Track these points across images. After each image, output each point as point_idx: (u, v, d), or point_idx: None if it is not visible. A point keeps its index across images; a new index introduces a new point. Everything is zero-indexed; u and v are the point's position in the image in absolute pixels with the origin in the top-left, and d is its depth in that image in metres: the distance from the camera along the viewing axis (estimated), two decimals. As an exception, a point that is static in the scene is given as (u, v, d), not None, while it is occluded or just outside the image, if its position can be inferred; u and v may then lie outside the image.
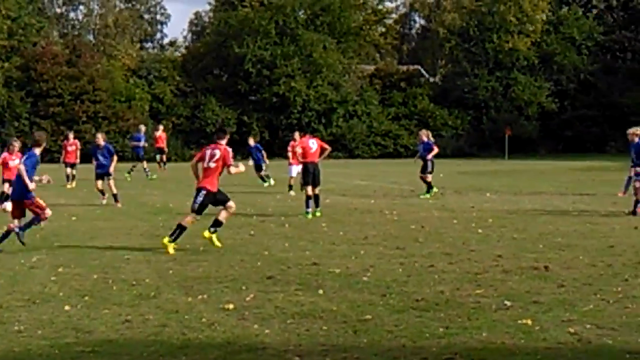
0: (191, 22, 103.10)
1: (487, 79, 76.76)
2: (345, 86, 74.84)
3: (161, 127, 47.79)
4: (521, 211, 24.32)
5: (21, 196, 17.48)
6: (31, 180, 17.27)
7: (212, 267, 14.79)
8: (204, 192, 17.04)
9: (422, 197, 29.56)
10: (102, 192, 27.64)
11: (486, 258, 15.30)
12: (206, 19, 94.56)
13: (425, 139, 30.92)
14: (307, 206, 23.48)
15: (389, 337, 9.76)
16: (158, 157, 45.54)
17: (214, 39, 77.67)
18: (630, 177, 26.32)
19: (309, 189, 23.62)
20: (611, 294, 11.87)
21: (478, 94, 76.33)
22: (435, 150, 30.57)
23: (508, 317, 10.59)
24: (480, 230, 19.35)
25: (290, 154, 32.70)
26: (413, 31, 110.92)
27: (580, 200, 27.45)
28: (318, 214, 23.59)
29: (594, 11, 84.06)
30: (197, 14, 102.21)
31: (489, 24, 77.11)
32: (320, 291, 12.40)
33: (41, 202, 17.63)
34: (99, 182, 27.61)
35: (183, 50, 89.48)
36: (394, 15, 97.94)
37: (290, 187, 31.85)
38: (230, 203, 17.24)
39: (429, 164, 30.11)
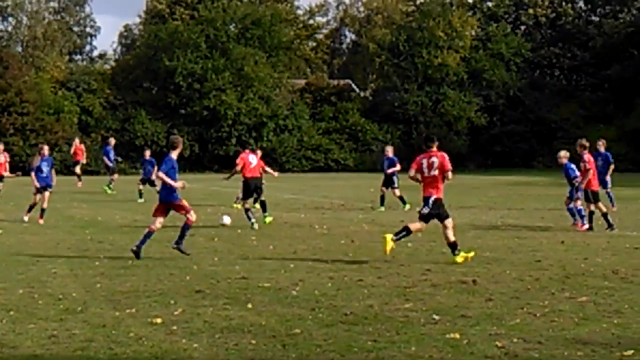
0: (121, 35, 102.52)
1: (416, 94, 77.21)
2: (275, 100, 74.81)
3: (77, 139, 47.70)
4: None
5: (167, 197, 18.17)
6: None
7: (141, 281, 14.67)
8: (433, 198, 17.12)
9: (405, 209, 30.00)
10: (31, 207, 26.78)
11: (415, 272, 15.38)
12: (136, 32, 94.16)
13: (390, 154, 31.53)
14: (249, 218, 23.97)
15: (318, 352, 9.75)
16: (77, 169, 45.34)
17: (144, 51, 77.19)
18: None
19: (246, 202, 24.30)
20: (538, 308, 11.99)
21: (408, 108, 76.74)
22: (398, 167, 31.20)
23: (436, 331, 10.64)
24: (409, 245, 19.41)
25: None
26: (344, 46, 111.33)
27: (508, 215, 27.73)
28: (269, 218, 24.72)
29: (523, 28, 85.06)
30: (127, 26, 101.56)
31: (419, 39, 77.61)
32: (249, 305, 12.36)
33: (186, 204, 18.27)
34: (38, 196, 26.83)
35: (113, 63, 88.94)
36: (324, 30, 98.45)
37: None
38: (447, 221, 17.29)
39: (394, 178, 30.89)
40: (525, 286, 13.84)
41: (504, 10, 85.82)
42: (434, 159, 17.20)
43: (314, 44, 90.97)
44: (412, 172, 17.48)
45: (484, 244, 19.67)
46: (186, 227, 18.05)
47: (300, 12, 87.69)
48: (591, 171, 23.16)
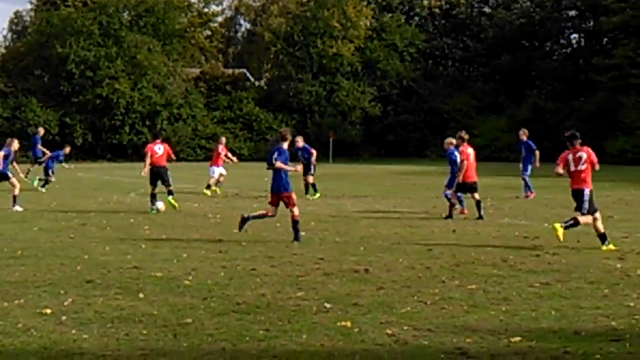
0: (11, 22, 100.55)
1: (311, 84, 77.42)
2: (170, 89, 74.25)
3: None
4: (344, 214, 24.62)
5: (279, 188, 18.92)
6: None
7: (30, 271, 14.43)
8: (587, 190, 17.83)
9: (312, 198, 30.37)
10: None
11: (308, 261, 15.42)
12: (27, 19, 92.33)
13: (301, 144, 31.78)
14: (152, 203, 25.25)
15: (209, 341, 9.73)
16: None
17: (35, 38, 75.87)
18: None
19: (152, 188, 25.56)
20: (429, 295, 12.13)
21: (302, 98, 76.92)
22: (314, 153, 32.05)
23: (328, 319, 10.69)
24: (303, 234, 19.44)
25: (214, 156, 35.01)
26: (239, 35, 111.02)
27: (401, 204, 27.99)
28: (176, 204, 25.65)
29: (416, 19, 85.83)
30: (17, 13, 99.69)
31: (314, 29, 77.80)
32: (141, 295, 12.27)
33: (294, 198, 19.08)
34: None
35: (3, 50, 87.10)
36: (219, 19, 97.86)
37: (209, 187, 33.35)
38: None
39: (311, 166, 31.29)
40: (417, 274, 13.98)
41: (398, 1, 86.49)
42: (582, 154, 18.11)
43: (209, 32, 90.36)
44: (559, 169, 18.21)
45: (376, 233, 19.82)
46: (294, 222, 18.77)
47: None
48: (465, 163, 23.63)
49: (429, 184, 38.46)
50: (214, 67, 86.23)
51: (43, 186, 34.51)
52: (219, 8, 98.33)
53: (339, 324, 10.40)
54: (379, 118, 78.33)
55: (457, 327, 10.29)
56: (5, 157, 27.18)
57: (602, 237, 17.45)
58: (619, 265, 14.75)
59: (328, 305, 11.43)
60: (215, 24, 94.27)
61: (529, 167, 31.48)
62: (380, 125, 78.69)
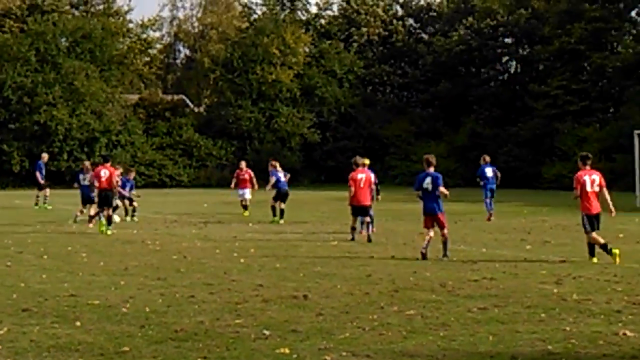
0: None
1: (250, 110, 77.37)
2: (108, 115, 73.68)
3: None
4: (283, 240, 24.61)
5: (433, 210, 20.35)
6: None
7: (-35, 300, 14.24)
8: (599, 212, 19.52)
9: (281, 222, 31.68)
10: None
11: (247, 288, 15.38)
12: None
13: (271, 168, 34.00)
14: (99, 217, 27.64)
15: (147, 369, 9.66)
16: None
17: (-29, 64, 75.00)
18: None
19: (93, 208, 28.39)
20: (367, 321, 12.15)
21: (242, 124, 76.82)
22: (272, 180, 33.82)
23: (266, 346, 10.67)
24: (242, 260, 19.44)
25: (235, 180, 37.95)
26: (178, 61, 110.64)
27: (340, 230, 27.96)
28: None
29: (355, 45, 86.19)
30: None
31: (253, 55, 77.81)
32: (78, 323, 12.15)
33: (445, 218, 20.58)
34: None
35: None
36: (158, 45, 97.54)
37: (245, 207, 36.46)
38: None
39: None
40: (356, 300, 14.00)
41: (337, 27, 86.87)
42: (595, 176, 19.40)
43: (148, 58, 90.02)
44: (577, 191, 19.58)
45: (315, 259, 19.82)
46: (445, 242, 20.11)
47: (132, 25, 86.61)
48: (352, 189, 24.79)
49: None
50: (153, 93, 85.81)
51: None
52: (158, 34, 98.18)
53: (277, 350, 10.39)
54: (319, 144, 78.45)
55: (395, 352, 10.32)
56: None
57: (604, 247, 19.15)
58: (555, 290, 14.90)
59: (267, 332, 11.41)
60: (154, 51, 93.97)
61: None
62: (320, 152, 78.82)
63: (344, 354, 10.23)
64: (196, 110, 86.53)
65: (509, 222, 31.48)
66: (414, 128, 79.55)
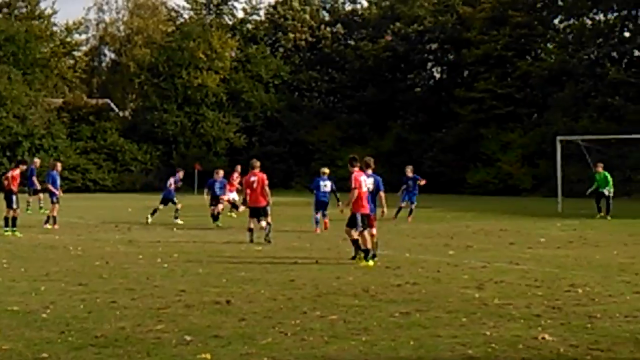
0: None
1: (176, 114, 77.10)
2: (31, 119, 72.84)
3: None
4: (207, 245, 24.50)
5: (371, 211, 20.82)
6: None
7: None
8: None
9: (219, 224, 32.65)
10: None
11: (169, 293, 15.27)
12: None
13: (221, 176, 34.96)
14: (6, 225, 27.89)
15: (66, 376, 9.54)
16: None
17: None
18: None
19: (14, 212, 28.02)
20: (290, 326, 12.12)
21: (167, 128, 76.52)
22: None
23: (187, 351, 10.59)
24: (165, 265, 19.31)
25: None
26: (103, 65, 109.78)
27: (263, 235, 27.90)
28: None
29: (282, 50, 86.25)
30: None
31: (179, 59, 77.57)
32: (-4, 330, 11.96)
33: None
34: None
35: None
36: (83, 48, 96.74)
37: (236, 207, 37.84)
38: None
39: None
40: (278, 305, 13.97)
41: (264, 32, 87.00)
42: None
43: (72, 61, 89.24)
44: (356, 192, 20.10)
45: (239, 264, 19.75)
46: (377, 242, 21.07)
47: (57, 29, 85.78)
48: (247, 191, 26.30)
49: (293, 214, 38.59)
50: (77, 97, 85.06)
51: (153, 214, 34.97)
52: (83, 37, 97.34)
53: (198, 356, 10.31)
54: (244, 149, 78.39)
55: (317, 357, 10.30)
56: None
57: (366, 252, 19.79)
58: (477, 295, 15.01)
59: (188, 338, 11.33)
60: (79, 54, 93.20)
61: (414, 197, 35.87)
62: (246, 156, 78.43)
63: (266, 359, 10.20)
64: (121, 114, 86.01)
65: (433, 227, 31.70)
66: (340, 133, 79.87)
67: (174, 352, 10.61)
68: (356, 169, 20.68)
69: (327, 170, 30.32)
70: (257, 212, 26.13)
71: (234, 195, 38.75)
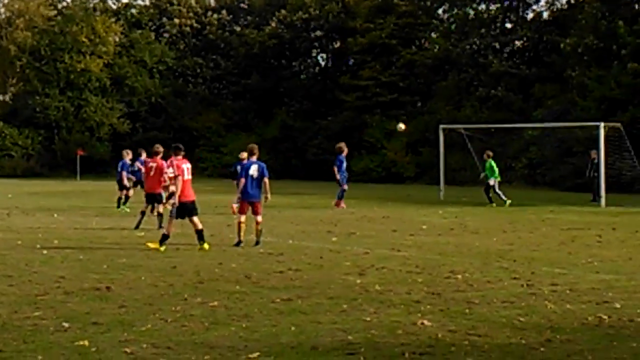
0: None
1: (58, 99, 75.91)
2: None
3: None
4: (89, 232, 24.20)
5: (255, 197, 21.29)
6: None
7: None
8: None
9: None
10: None
11: (48, 280, 15.05)
12: None
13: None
14: None
15: (-62, 364, 9.33)
16: None
17: None
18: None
19: None
20: (170, 313, 12.05)
21: (49, 113, 75.28)
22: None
23: (65, 338, 10.45)
24: (45, 252, 19.03)
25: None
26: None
27: (148, 222, 27.60)
28: None
29: (167, 36, 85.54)
30: None
31: (61, 43, 76.35)
32: None
33: None
34: None
35: None
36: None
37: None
38: None
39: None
40: (159, 292, 13.88)
41: (148, 18, 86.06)
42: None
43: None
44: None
45: (120, 251, 19.57)
46: (261, 230, 21.33)
47: None
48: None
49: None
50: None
51: None
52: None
53: (76, 343, 10.19)
54: (128, 134, 77.56)
55: (196, 344, 10.26)
56: None
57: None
58: (358, 281, 15.12)
59: (66, 324, 11.18)
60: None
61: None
62: (129, 142, 77.55)
63: (145, 346, 10.11)
64: (1, 98, 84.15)
65: (317, 214, 31.83)
66: (225, 120, 79.59)
67: (51, 339, 10.47)
68: (179, 157, 20.70)
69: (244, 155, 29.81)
70: (153, 199, 25.96)
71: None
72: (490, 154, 37.58)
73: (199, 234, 20.18)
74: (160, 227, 24.59)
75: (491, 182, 36.79)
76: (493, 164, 36.91)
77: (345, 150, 35.45)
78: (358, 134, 68.33)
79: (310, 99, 76.92)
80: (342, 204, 34.66)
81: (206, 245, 19.99)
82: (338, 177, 34.96)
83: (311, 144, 69.89)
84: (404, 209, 34.69)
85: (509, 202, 36.15)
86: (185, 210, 20.38)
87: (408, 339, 10.64)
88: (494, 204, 35.89)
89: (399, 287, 14.54)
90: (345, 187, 35.15)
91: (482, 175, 37.77)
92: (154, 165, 25.88)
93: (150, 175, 25.92)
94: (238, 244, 20.60)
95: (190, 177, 20.64)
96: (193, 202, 20.61)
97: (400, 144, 65.26)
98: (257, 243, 20.64)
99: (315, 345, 10.24)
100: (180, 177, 20.14)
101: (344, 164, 35.44)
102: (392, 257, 18.69)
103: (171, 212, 20.25)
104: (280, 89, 78.70)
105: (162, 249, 19.59)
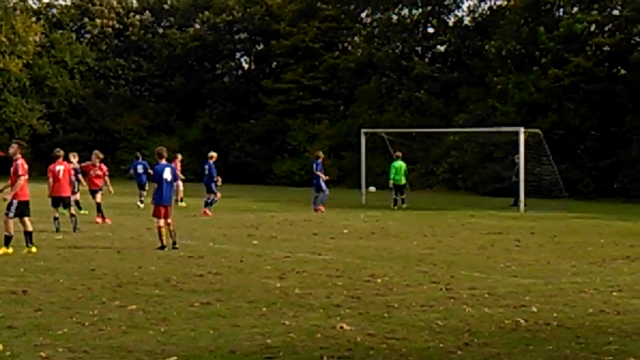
0: None
1: (-24, 99, 74.76)
2: None
3: None
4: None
5: (169, 201, 21.32)
6: None
7: None
8: None
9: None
10: None
11: (-37, 283, 14.80)
12: None
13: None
14: None
15: None
16: None
17: None
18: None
19: None
20: (87, 317, 11.92)
21: (-33, 113, 74.11)
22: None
23: (-21, 343, 10.29)
24: None
25: None
26: None
27: (66, 224, 27.27)
28: None
29: (88, 36, 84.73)
30: None
31: (-20, 42, 75.22)
32: None
33: None
34: None
35: None
36: None
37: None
38: None
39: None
40: (77, 295, 13.72)
41: (70, 18, 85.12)
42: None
43: None
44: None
45: (38, 253, 19.32)
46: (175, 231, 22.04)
47: None
48: (50, 180, 25.28)
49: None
50: None
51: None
52: None
53: (-9, 347, 10.03)
54: (48, 136, 76.61)
55: (114, 348, 10.16)
56: None
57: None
58: (278, 285, 15.10)
59: (-20, 329, 11.01)
60: None
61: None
62: (49, 143, 76.64)
63: (61, 350, 9.98)
64: None
65: (238, 217, 31.73)
66: (147, 122, 79.11)
67: (-36, 343, 10.28)
68: (20, 157, 20.48)
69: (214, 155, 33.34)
70: (61, 202, 25.60)
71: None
72: (399, 154, 38.46)
73: (29, 235, 19.98)
74: (75, 229, 24.56)
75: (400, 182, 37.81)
76: (397, 165, 37.86)
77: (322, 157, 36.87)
78: (281, 137, 68.37)
79: (233, 101, 76.74)
80: (322, 208, 35.19)
81: (34, 249, 19.82)
82: (324, 178, 35.79)
83: (233, 147, 69.70)
84: (326, 212, 34.73)
85: (396, 208, 37.48)
86: (24, 209, 20.32)
87: (327, 342, 10.65)
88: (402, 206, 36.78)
89: (319, 290, 14.54)
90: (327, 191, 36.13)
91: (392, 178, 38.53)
92: (62, 168, 25.52)
93: (59, 179, 25.25)
94: (162, 248, 20.44)
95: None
96: (28, 202, 20.51)
97: (322, 148, 65.36)
98: (174, 244, 20.57)
99: (234, 349, 10.20)
100: (22, 177, 20.10)
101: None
102: (312, 261, 18.70)
103: (10, 209, 19.89)
104: (203, 91, 78.36)
105: (10, 250, 19.51)
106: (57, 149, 26.83)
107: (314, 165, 36.07)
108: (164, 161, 21.51)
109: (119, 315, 12.11)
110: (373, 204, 39.32)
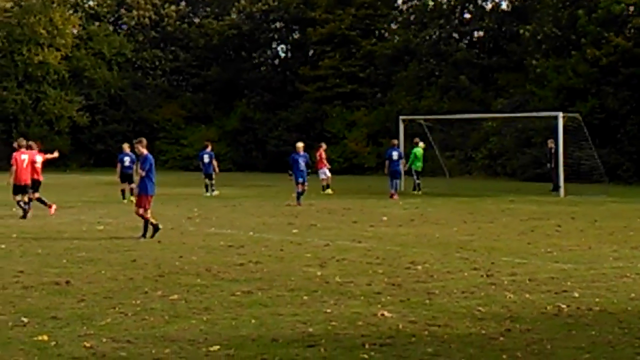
0: None
1: (16, 92, 75.09)
2: None
3: None
4: (48, 226, 24.01)
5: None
6: None
7: None
8: None
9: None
10: None
11: (7, 274, 14.94)
12: None
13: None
14: None
15: None
16: None
17: None
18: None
19: None
20: (130, 307, 12.01)
21: (7, 107, 74.50)
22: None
23: (24, 333, 10.39)
24: (3, 246, 18.89)
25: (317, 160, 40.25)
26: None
27: (108, 215, 27.55)
28: None
29: (125, 28, 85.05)
30: None
31: (19, 35, 75.58)
32: None
33: None
34: None
35: None
36: None
37: (326, 187, 39.80)
38: None
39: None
40: (119, 286, 13.82)
41: (107, 10, 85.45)
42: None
43: None
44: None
45: (80, 245, 19.44)
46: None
47: None
48: (13, 168, 26.73)
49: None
50: None
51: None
52: None
53: (35, 338, 10.13)
54: (87, 127, 77.00)
55: (156, 337, 10.23)
56: None
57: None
58: (319, 273, 15.13)
59: (25, 319, 11.11)
60: None
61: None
62: (89, 135, 77.41)
63: (104, 340, 10.07)
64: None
65: (277, 206, 31.77)
66: (185, 112, 79.32)
67: (10, 334, 10.40)
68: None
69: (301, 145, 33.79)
70: (23, 190, 26.80)
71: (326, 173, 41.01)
72: (417, 140, 38.75)
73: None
74: (25, 217, 26.08)
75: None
76: (418, 152, 38.08)
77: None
78: (319, 125, 68.35)
79: (271, 90, 76.77)
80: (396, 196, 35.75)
81: None
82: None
83: (271, 136, 69.73)
84: (365, 200, 34.73)
85: (420, 192, 38.44)
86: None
87: (368, 330, 10.67)
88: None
89: (360, 278, 14.56)
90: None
91: (406, 165, 38.63)
92: (27, 157, 26.95)
93: (22, 167, 26.65)
94: (157, 228, 21.03)
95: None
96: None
97: (361, 135, 65.38)
98: (143, 235, 20.94)
99: (276, 337, 10.25)
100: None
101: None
102: (352, 249, 18.72)
103: None
104: (240, 81, 78.40)
105: None
106: (21, 138, 28.59)
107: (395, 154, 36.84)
108: (145, 151, 22.25)
109: (161, 305, 12.19)
110: (411, 191, 39.20)
